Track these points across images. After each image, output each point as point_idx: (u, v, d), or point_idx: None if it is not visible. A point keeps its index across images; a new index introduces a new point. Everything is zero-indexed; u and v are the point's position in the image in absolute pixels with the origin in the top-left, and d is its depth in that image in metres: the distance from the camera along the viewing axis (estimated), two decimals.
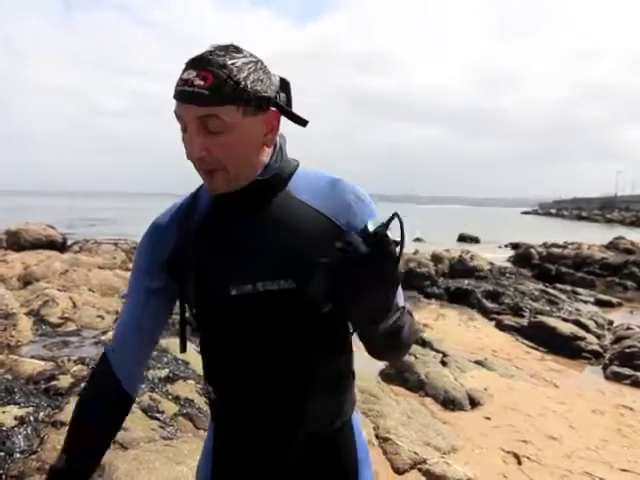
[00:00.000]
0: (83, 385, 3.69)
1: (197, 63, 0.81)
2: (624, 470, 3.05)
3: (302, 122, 0.92)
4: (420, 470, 2.91)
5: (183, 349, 1.01)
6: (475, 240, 22.18)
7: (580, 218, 56.13)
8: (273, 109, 0.87)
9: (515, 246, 17.83)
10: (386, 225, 0.78)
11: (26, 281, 6.57)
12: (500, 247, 19.46)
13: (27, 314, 4.91)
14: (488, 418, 3.71)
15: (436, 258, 10.91)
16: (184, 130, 0.85)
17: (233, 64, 0.81)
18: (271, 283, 0.89)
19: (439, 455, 3.06)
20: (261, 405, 0.96)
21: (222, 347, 0.97)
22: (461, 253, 11.33)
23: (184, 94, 0.81)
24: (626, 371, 5.03)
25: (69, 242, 11.11)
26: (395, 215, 0.80)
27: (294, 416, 0.96)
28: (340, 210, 0.94)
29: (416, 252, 11.33)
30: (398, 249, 0.79)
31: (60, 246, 10.48)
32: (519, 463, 3.08)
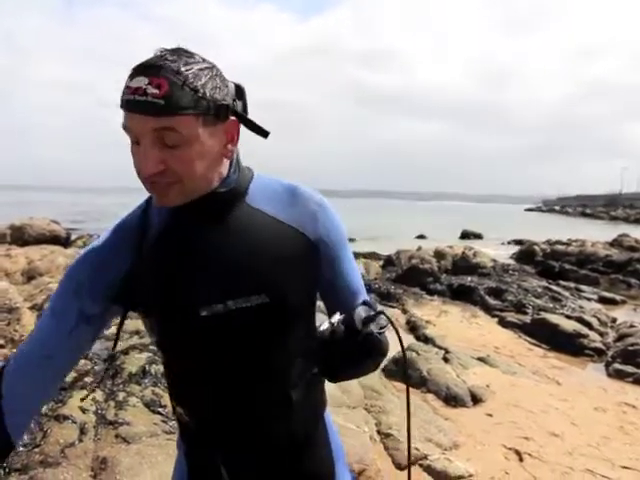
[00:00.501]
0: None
1: (148, 70, 0.72)
2: (625, 467, 3.04)
3: (263, 133, 0.86)
4: (421, 466, 2.91)
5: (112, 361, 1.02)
6: (478, 237, 22.15)
7: (584, 215, 55.92)
8: (232, 118, 0.82)
9: (518, 243, 17.80)
10: (372, 318, 0.89)
11: (30, 276, 6.60)
12: (503, 244, 19.43)
13: (31, 308, 4.93)
14: (490, 415, 3.71)
15: (439, 254, 10.90)
16: (135, 143, 0.77)
17: (188, 70, 0.74)
18: (243, 300, 0.85)
19: (440, 451, 3.06)
20: (237, 423, 0.93)
21: (191, 368, 0.92)
22: (464, 250, 11.31)
23: (135, 104, 0.72)
24: (629, 369, 5.02)
25: (73, 237, 11.15)
26: (381, 313, 0.90)
27: (272, 431, 0.95)
28: (305, 220, 0.92)
29: (419, 248, 11.32)
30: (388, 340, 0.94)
31: (64, 241, 10.54)
32: (521, 460, 3.08)
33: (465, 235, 22.34)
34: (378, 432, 3.19)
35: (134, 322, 4.86)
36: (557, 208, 76.48)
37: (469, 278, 9.35)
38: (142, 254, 0.85)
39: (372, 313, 0.89)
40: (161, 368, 3.35)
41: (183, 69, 0.74)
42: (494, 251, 14.06)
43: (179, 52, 0.76)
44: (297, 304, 0.91)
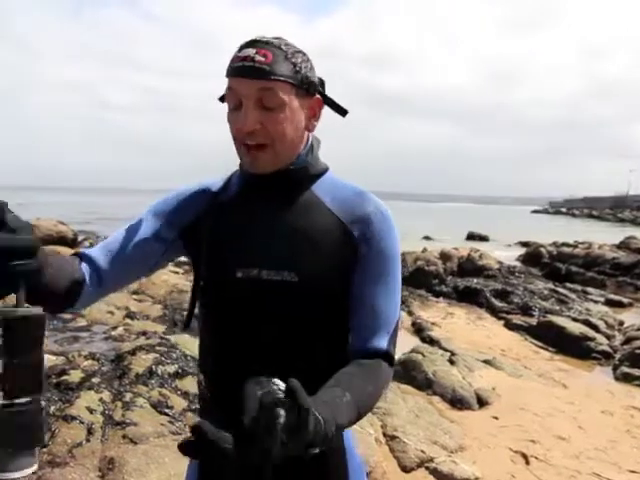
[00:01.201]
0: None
1: (255, 43, 0.87)
2: (633, 471, 3.03)
3: (343, 111, 1.00)
4: (427, 469, 2.91)
5: (187, 324, 1.03)
6: (484, 239, 22.07)
7: (591, 217, 55.64)
8: (317, 96, 0.94)
9: (525, 245, 17.73)
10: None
11: None
12: (509, 246, 19.35)
13: None
14: (496, 417, 3.70)
15: (445, 256, 10.87)
16: (235, 108, 0.89)
17: (288, 49, 0.88)
18: (275, 273, 0.91)
19: (446, 454, 3.06)
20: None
21: (221, 328, 0.97)
22: (470, 252, 11.28)
23: (244, 69, 0.86)
24: (636, 372, 4.99)
25: (80, 238, 11.22)
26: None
27: None
28: (356, 219, 0.95)
29: (424, 250, 11.30)
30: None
31: (71, 242, 10.59)
32: (527, 463, 3.07)
33: (471, 237, 22.26)
34: (384, 434, 3.18)
35: (140, 323, 4.89)
36: (564, 210, 76.10)
37: (475, 280, 9.33)
38: (210, 210, 0.98)
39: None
40: (168, 369, 3.37)
41: (284, 47, 0.88)
42: (500, 253, 14.01)
43: (280, 38, 0.90)
44: (325, 294, 0.93)
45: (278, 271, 0.91)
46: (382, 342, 0.93)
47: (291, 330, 0.92)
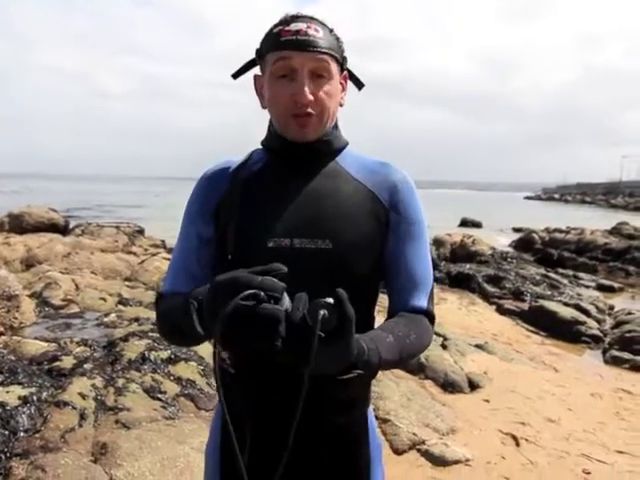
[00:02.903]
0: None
1: (302, 18, 0.91)
2: (620, 452, 3.08)
3: (360, 85, 1.07)
4: (419, 451, 2.94)
5: None
6: (477, 225, 22.14)
7: (584, 203, 55.92)
8: (344, 71, 0.99)
9: (518, 231, 17.81)
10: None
11: (29, 264, 6.60)
12: (502, 231, 19.44)
13: (30, 296, 4.94)
14: (487, 401, 3.74)
15: (438, 242, 10.91)
16: (281, 76, 0.91)
17: (329, 25, 0.94)
18: (308, 241, 0.92)
19: (438, 436, 3.09)
20: (278, 372, 0.87)
21: None
22: (463, 237, 11.32)
23: (301, 42, 0.89)
24: (625, 355, 5.06)
25: (71, 225, 11.14)
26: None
27: (315, 388, 0.93)
28: (384, 187, 0.99)
29: None
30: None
31: (62, 229, 10.52)
32: (517, 445, 3.11)
33: (464, 223, 22.32)
34: (376, 417, 3.21)
35: (133, 309, 4.88)
36: (557, 196, 76.40)
37: (468, 266, 9.38)
38: (235, 185, 0.99)
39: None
40: (160, 355, 3.37)
41: (326, 23, 0.93)
42: (493, 239, 14.07)
43: (311, 15, 0.94)
44: (359, 260, 0.94)
45: (312, 239, 0.92)
46: (422, 301, 0.96)
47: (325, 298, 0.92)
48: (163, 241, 10.20)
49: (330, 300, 0.68)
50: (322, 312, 0.66)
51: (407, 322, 0.92)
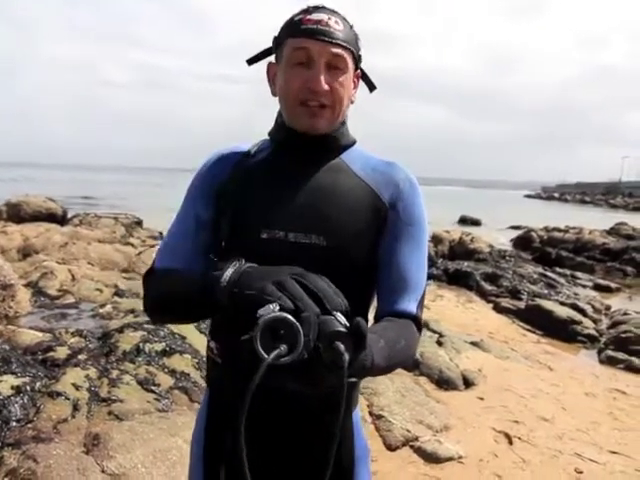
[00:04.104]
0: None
1: (324, 9, 0.92)
2: (613, 452, 3.08)
3: (373, 87, 1.07)
4: (412, 447, 2.95)
5: None
6: (476, 222, 22.11)
7: (583, 203, 55.91)
8: (358, 70, 1.00)
9: (516, 229, 17.80)
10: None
11: (25, 253, 6.58)
12: (501, 230, 19.42)
13: (26, 286, 4.93)
14: (481, 398, 3.75)
15: (436, 239, 10.91)
16: (297, 64, 0.91)
17: (348, 20, 0.95)
18: (303, 236, 0.92)
19: (431, 433, 3.10)
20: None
21: None
22: (461, 235, 11.31)
23: (321, 32, 0.89)
24: (621, 355, 5.06)
25: (69, 215, 11.11)
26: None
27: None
28: (386, 185, 0.98)
29: None
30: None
31: (60, 219, 10.48)
32: (510, 443, 3.11)
33: (463, 220, 22.29)
34: (370, 413, 3.21)
35: (129, 301, 4.87)
36: (556, 195, 76.36)
37: (465, 263, 9.37)
38: (234, 174, 0.98)
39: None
40: (155, 347, 3.36)
41: (346, 18, 0.95)
42: (492, 237, 14.06)
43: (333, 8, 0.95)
44: (353, 258, 0.93)
45: (306, 234, 0.92)
46: (411, 306, 0.94)
47: None
48: (161, 233, 10.17)
49: (341, 328, 0.65)
50: (343, 351, 0.63)
51: (397, 328, 0.89)
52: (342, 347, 0.63)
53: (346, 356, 0.63)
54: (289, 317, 0.64)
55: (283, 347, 0.62)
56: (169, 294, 0.94)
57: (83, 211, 11.86)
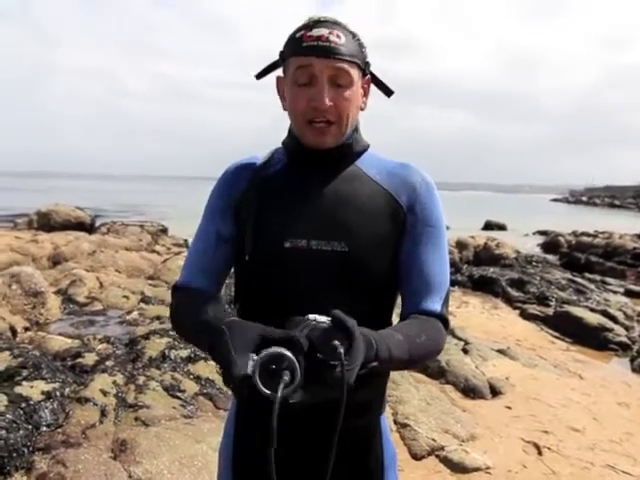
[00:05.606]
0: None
1: (324, 23, 0.90)
2: None
3: (389, 92, 1.04)
4: (438, 457, 2.90)
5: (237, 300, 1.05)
6: (502, 227, 21.77)
7: (612, 206, 54.55)
8: (367, 75, 0.98)
9: (543, 234, 17.46)
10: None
11: (55, 261, 6.75)
12: (527, 235, 19.07)
13: (56, 293, 5.04)
14: (509, 407, 3.67)
15: (461, 245, 10.77)
16: (302, 85, 0.91)
17: (352, 30, 0.93)
18: (325, 243, 0.92)
19: (458, 443, 3.04)
20: None
21: (266, 301, 0.95)
22: (487, 240, 11.15)
23: (321, 48, 0.88)
24: None
25: (97, 223, 11.35)
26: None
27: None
28: (403, 188, 0.98)
29: None
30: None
31: (88, 227, 10.73)
32: (539, 453, 3.04)
33: (488, 226, 21.97)
34: (395, 422, 3.18)
35: (155, 308, 4.94)
36: (584, 199, 74.67)
37: (491, 269, 9.22)
38: (254, 183, 0.99)
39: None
40: (180, 353, 3.40)
41: (349, 29, 0.92)
42: (518, 242, 13.82)
43: (334, 19, 0.92)
44: (375, 263, 0.94)
45: (328, 241, 0.93)
46: (436, 305, 0.94)
47: (340, 300, 0.87)
48: (186, 240, 10.31)
49: (324, 322, 0.69)
50: (340, 350, 0.66)
51: (418, 323, 0.91)
52: (336, 342, 0.66)
53: (341, 349, 0.65)
54: (277, 350, 0.66)
55: (286, 376, 0.64)
56: (187, 333, 0.98)
57: (110, 219, 12.11)
